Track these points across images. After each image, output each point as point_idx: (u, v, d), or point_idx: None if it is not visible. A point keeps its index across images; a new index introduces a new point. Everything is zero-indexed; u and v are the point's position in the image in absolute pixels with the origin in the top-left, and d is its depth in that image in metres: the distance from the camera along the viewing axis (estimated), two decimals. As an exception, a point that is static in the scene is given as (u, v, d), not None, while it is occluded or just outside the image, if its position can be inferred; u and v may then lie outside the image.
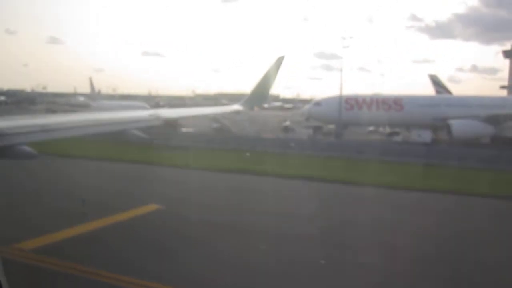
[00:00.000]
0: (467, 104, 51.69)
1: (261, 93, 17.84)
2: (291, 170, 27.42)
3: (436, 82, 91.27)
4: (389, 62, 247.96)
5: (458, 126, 46.59)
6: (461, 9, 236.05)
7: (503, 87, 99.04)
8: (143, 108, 58.34)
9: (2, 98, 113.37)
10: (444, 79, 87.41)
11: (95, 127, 10.93)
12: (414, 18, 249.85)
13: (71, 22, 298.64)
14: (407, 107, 52.08)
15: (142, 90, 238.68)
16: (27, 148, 8.70)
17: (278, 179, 25.52)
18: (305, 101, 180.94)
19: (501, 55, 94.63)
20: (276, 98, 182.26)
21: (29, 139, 8.71)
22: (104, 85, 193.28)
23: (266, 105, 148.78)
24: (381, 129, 59.48)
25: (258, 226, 16.37)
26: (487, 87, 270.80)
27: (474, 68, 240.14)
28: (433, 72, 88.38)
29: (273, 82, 17.51)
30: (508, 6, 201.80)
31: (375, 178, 24.63)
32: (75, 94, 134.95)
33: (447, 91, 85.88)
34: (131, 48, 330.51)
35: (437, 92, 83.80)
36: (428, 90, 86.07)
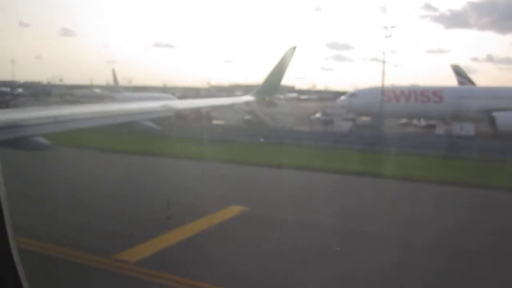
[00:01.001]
0: (509, 95, 49.94)
1: (273, 84, 17.50)
2: (369, 168, 25.47)
3: (458, 72, 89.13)
4: (403, 52, 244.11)
5: (504, 118, 44.91)
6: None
7: None
8: (169, 100, 57.32)
9: (20, 90, 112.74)
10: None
11: (107, 118, 10.95)
12: (428, 7, 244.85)
13: (83, 14, 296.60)
14: (446, 99, 50.49)
15: (156, 81, 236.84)
16: (42, 139, 8.75)
17: (353, 177, 23.97)
18: (320, 92, 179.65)
19: None
20: (291, 89, 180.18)
21: (43, 130, 8.79)
22: (118, 77, 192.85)
23: (281, 96, 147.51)
24: (414, 121, 58.04)
25: (372, 230, 14.98)
26: (503, 78, 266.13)
27: (490, 58, 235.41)
28: (454, 63, 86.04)
29: (285, 73, 17.24)
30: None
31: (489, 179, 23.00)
32: (91, 86, 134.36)
33: (470, 81, 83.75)
34: (142, 39, 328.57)
35: (460, 83, 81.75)
36: (443, 80, 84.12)
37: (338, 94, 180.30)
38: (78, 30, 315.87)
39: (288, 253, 12.98)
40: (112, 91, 79.17)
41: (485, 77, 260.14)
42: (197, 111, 57.64)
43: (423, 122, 56.96)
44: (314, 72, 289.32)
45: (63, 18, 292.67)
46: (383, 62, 52.76)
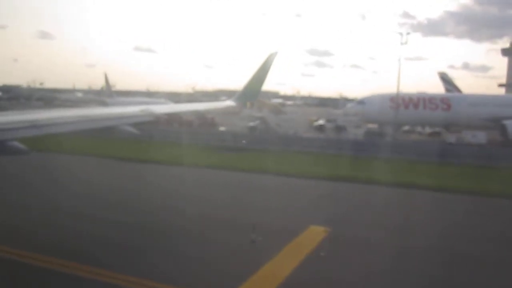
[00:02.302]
0: (517, 103, 50.08)
1: (254, 89, 17.54)
2: (425, 179, 24.14)
3: (446, 80, 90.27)
4: (381, 59, 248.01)
5: (515, 126, 44.88)
6: (453, 7, 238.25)
7: (501, 85, 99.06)
8: (165, 105, 55.36)
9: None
10: (436, 76, 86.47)
11: (86, 122, 10.89)
12: (406, 15, 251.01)
13: (62, 16, 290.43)
14: (454, 107, 50.22)
15: (138, 86, 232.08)
16: (18, 144, 8.53)
17: (417, 191, 22.24)
18: (305, 98, 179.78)
19: (492, 53, 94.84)
20: (276, 95, 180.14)
21: (20, 134, 8.51)
22: (97, 81, 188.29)
23: (266, 102, 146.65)
24: (418, 128, 57.74)
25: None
26: (479, 85, 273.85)
27: (466, 66, 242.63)
28: (440, 70, 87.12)
29: (266, 78, 17.26)
30: (499, 4, 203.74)
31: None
32: (74, 90, 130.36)
33: (457, 89, 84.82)
34: (122, 43, 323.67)
35: (447, 90, 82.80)
36: (423, 86, 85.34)
37: (322, 100, 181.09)
38: (57, 33, 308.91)
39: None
40: (104, 95, 76.36)
41: (461, 84, 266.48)
42: (202, 117, 56.29)
43: (427, 130, 56.69)
44: (294, 78, 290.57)
45: (42, 20, 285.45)
46: (399, 63, 50.63)
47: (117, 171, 26.85)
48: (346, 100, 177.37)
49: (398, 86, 47.76)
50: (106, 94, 76.97)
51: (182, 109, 19.07)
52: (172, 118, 52.91)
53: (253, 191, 21.75)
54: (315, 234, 14.53)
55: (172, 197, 19.72)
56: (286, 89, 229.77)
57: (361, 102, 52.82)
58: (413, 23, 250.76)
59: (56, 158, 29.10)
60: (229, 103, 18.25)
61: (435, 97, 52.27)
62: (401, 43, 44.70)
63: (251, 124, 54.30)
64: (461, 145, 43.57)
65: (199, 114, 50.52)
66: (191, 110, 20.40)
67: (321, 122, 59.96)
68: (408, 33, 45.32)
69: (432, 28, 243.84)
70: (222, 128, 54.06)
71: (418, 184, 23.12)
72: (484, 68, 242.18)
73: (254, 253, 12.81)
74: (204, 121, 54.54)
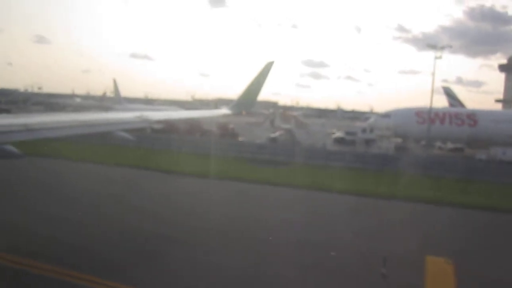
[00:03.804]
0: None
1: (249, 98, 17.64)
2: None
3: (449, 94, 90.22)
4: (376, 72, 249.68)
5: (544, 143, 44.36)
6: (447, 22, 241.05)
7: (498, 101, 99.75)
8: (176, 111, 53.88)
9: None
10: (429, 90, 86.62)
11: (80, 127, 10.73)
12: (401, 29, 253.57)
13: (58, 21, 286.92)
14: (481, 122, 49.62)
15: (136, 93, 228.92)
16: (11, 148, 8.47)
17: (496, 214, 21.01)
18: (304, 109, 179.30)
19: (485, 68, 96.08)
20: (275, 105, 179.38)
21: (12, 138, 8.44)
22: (93, 87, 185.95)
23: (265, 112, 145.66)
24: (438, 144, 56.92)
25: None
26: (471, 99, 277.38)
27: (459, 80, 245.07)
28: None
29: (262, 88, 17.28)
30: (493, 21, 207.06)
31: None
32: (73, 95, 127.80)
33: (461, 103, 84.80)
34: (119, 50, 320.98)
35: (451, 104, 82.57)
36: (416, 100, 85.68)
37: (321, 111, 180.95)
38: (53, 38, 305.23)
39: None
40: (113, 102, 74.29)
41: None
42: (222, 127, 54.79)
43: (449, 145, 55.84)
44: (290, 89, 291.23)
45: (38, 25, 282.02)
46: (433, 76, 49.70)
47: (174, 188, 24.81)
48: (344, 112, 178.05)
49: (431, 101, 46.76)
50: (115, 100, 74.88)
51: (178, 116, 18.82)
52: (192, 127, 51.45)
53: (332, 212, 20.21)
54: (440, 268, 13.05)
55: (256, 220, 17.91)
56: (281, 99, 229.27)
57: (386, 115, 51.89)
58: (408, 37, 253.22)
59: (49, 163, 27.96)
60: (225, 111, 18.37)
61: (461, 112, 51.63)
62: (436, 57, 43.77)
63: (272, 135, 52.92)
64: (493, 162, 42.76)
65: (190, 121, 49.34)
66: (187, 118, 20.54)
67: (339, 134, 58.78)
68: (442, 48, 44.48)
69: (427, 42, 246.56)
70: (241, 139, 52.59)
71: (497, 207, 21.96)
72: (477, 83, 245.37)
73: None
74: (225, 131, 53.05)
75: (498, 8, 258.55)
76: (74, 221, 15.66)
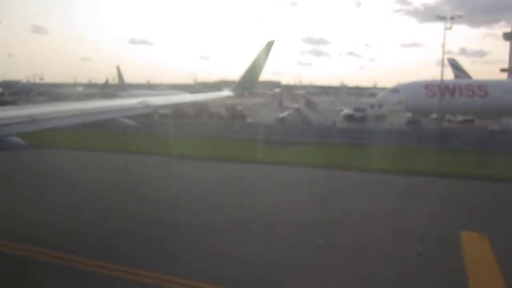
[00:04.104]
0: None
1: (251, 79, 17.39)
2: None
3: (455, 66, 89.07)
4: (378, 46, 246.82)
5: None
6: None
7: (503, 70, 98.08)
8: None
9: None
10: (432, 63, 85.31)
11: (84, 116, 10.76)
12: (402, 1, 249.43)
13: (55, 10, 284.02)
14: (492, 93, 48.96)
15: (137, 78, 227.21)
16: (17, 139, 8.56)
17: None
18: (307, 87, 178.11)
19: (489, 38, 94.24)
20: (278, 84, 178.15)
21: (18, 129, 8.50)
22: (94, 75, 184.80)
23: (268, 92, 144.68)
24: (448, 116, 56.39)
25: None
26: (475, 70, 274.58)
27: (463, 51, 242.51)
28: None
29: (263, 67, 17.09)
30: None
31: None
32: (74, 84, 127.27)
33: (467, 75, 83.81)
34: (117, 36, 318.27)
35: (456, 76, 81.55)
36: (420, 73, 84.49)
37: (324, 88, 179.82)
38: (51, 27, 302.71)
39: None
40: (118, 89, 73.78)
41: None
42: (231, 109, 54.45)
43: (459, 117, 55.34)
44: (291, 67, 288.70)
45: (35, 14, 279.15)
46: (443, 50, 48.65)
47: (203, 172, 24.18)
48: (348, 88, 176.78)
49: (442, 74, 46.08)
50: (119, 87, 74.36)
51: (180, 100, 18.67)
52: (200, 110, 51.12)
53: (361, 191, 19.70)
54: (476, 242, 12.90)
55: (291, 202, 17.54)
56: (282, 79, 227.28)
57: (395, 90, 51.35)
58: (409, 9, 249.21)
59: (55, 153, 27.62)
60: (227, 93, 18.21)
61: (471, 83, 50.98)
62: (445, 29, 42.92)
63: (280, 115, 52.54)
64: (505, 132, 42.32)
65: (197, 105, 49.14)
66: (189, 101, 20.54)
67: (347, 111, 58.29)
68: (452, 18, 43.57)
69: (428, 14, 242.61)
70: (249, 120, 52.24)
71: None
72: (481, 53, 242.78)
73: (436, 270, 11.10)
74: (233, 113, 52.71)
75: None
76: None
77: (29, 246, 11.70)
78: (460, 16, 45.35)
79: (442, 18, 43.43)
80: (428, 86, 49.62)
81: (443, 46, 44.31)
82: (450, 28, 42.73)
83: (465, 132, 44.08)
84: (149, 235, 13.09)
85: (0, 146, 8.53)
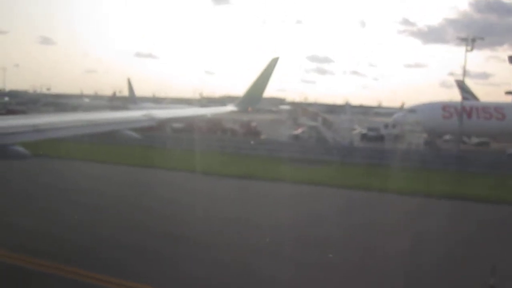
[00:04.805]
0: None
1: (255, 95, 17.58)
2: None
3: (462, 88, 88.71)
4: (382, 66, 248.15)
5: None
6: (452, 14, 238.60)
7: (508, 93, 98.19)
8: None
9: (6, 99, 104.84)
10: (436, 84, 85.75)
11: (88, 127, 10.65)
12: (406, 22, 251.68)
13: (63, 22, 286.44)
14: (509, 116, 48.54)
15: (143, 92, 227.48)
16: (20, 148, 8.53)
17: None
18: (312, 105, 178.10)
19: (492, 60, 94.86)
20: (283, 101, 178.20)
21: (22, 139, 8.56)
22: (100, 87, 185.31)
23: (274, 109, 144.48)
24: (464, 138, 55.79)
25: None
26: (478, 92, 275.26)
27: (467, 73, 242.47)
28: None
29: (267, 84, 17.21)
30: (499, 12, 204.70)
31: None
32: (81, 96, 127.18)
33: (475, 97, 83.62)
34: (123, 49, 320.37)
35: (464, 98, 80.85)
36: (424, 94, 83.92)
37: (329, 106, 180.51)
38: (58, 39, 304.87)
39: None
40: (128, 102, 73.41)
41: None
42: (245, 125, 53.98)
43: (474, 139, 54.75)
44: (295, 84, 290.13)
45: (42, 26, 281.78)
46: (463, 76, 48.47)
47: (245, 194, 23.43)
48: (352, 107, 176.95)
49: (461, 96, 45.69)
50: (130, 100, 73.97)
51: (184, 114, 18.65)
52: (213, 126, 50.63)
53: (410, 216, 19.07)
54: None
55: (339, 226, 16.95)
56: (287, 96, 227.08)
57: (412, 110, 50.91)
58: (413, 30, 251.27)
59: (57, 163, 27.55)
60: (231, 108, 18.38)
61: (488, 106, 50.58)
62: (467, 50, 42.71)
63: (295, 132, 52.00)
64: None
65: (211, 120, 48.84)
66: (193, 115, 20.63)
67: (360, 130, 57.76)
68: (474, 40, 43.37)
69: (432, 35, 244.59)
70: (263, 137, 51.71)
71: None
72: (484, 75, 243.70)
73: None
74: (248, 129, 52.20)
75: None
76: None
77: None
78: (482, 38, 45.04)
79: (463, 39, 43.25)
80: (445, 107, 49.22)
81: (464, 67, 44.58)
82: (471, 49, 42.51)
83: (483, 154, 43.52)
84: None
85: (2, 154, 8.47)
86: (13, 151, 8.44)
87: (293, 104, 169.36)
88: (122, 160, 29.39)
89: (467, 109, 49.39)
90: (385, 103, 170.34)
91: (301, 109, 58.60)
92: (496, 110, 49.31)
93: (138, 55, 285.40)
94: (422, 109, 50.07)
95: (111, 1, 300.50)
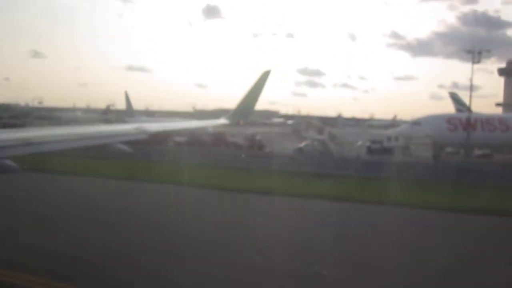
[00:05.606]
0: None
1: (247, 107, 17.59)
2: None
3: (456, 100, 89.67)
4: (372, 79, 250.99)
5: None
6: (441, 28, 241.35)
7: (498, 104, 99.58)
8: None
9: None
10: (426, 96, 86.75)
11: (78, 141, 10.67)
12: (395, 35, 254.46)
13: (53, 36, 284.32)
14: (514, 128, 48.72)
15: (135, 105, 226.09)
16: (9, 162, 8.31)
17: None
18: (305, 118, 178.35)
19: (480, 73, 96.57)
20: (276, 114, 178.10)
21: (11, 152, 8.44)
22: (92, 101, 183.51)
23: (267, 121, 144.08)
24: (463, 150, 55.80)
25: None
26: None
27: (455, 85, 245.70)
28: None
29: (259, 97, 17.30)
30: (486, 25, 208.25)
31: None
32: (74, 109, 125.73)
33: (468, 109, 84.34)
34: (114, 62, 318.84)
35: (458, 110, 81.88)
36: (415, 107, 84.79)
37: (323, 119, 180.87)
38: (49, 52, 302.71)
39: None
40: (125, 115, 72.38)
41: (451, 103, 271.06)
42: (249, 139, 53.28)
43: (476, 151, 54.73)
44: (286, 97, 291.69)
45: (33, 39, 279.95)
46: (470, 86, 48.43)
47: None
48: (344, 119, 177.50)
49: (470, 108, 45.67)
50: (127, 113, 72.95)
51: (176, 127, 18.64)
52: (216, 139, 49.88)
53: (436, 233, 18.59)
54: None
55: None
56: (279, 108, 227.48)
57: (417, 123, 50.75)
58: (402, 43, 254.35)
59: (49, 178, 27.24)
60: (223, 121, 18.41)
61: (492, 118, 50.72)
62: (473, 63, 42.81)
63: (300, 145, 51.41)
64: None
65: (220, 133, 48.23)
66: (185, 128, 20.68)
67: (363, 143, 57.26)
68: (479, 53, 43.54)
69: (421, 48, 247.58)
70: (267, 150, 51.00)
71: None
72: (473, 88, 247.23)
73: None
74: (252, 142, 51.51)
75: (491, 12, 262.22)
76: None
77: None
78: (488, 51, 45.27)
79: (469, 52, 43.41)
80: (450, 120, 49.21)
81: (471, 79, 44.20)
82: (478, 61, 42.61)
83: (491, 167, 43.34)
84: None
85: None
86: (2, 164, 8.23)
87: (287, 116, 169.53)
88: (106, 174, 29.35)
89: (472, 121, 49.42)
90: (377, 116, 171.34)
91: (306, 122, 58.04)
92: (500, 122, 49.43)
93: (130, 68, 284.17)
94: (426, 121, 49.89)
95: (102, 15, 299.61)
